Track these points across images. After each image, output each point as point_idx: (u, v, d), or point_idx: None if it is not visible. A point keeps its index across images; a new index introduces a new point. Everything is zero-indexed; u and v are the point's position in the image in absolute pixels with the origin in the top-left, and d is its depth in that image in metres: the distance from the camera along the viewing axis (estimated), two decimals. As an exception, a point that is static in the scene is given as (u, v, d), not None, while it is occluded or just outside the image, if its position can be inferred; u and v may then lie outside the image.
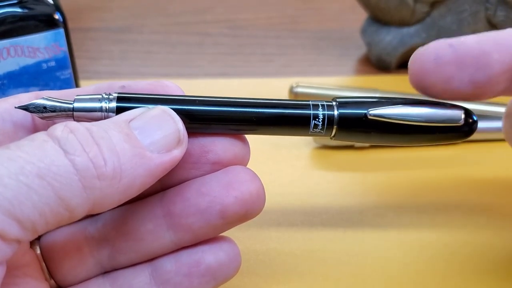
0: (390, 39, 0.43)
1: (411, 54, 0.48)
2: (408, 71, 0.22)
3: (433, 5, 0.41)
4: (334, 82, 0.42)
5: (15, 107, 0.20)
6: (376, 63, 0.44)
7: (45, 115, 0.20)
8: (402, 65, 0.44)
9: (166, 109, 0.20)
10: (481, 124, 0.23)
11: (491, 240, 0.28)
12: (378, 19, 0.43)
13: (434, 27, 0.41)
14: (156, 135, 0.19)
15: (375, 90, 0.37)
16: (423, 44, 0.43)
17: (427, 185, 0.31)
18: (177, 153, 0.19)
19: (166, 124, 0.19)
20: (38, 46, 0.31)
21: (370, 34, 0.44)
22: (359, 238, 0.28)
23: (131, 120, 0.19)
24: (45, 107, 0.20)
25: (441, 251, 0.27)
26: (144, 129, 0.19)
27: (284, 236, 0.28)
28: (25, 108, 0.20)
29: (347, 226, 0.29)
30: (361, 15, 0.46)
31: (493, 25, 0.40)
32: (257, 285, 0.25)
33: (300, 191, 0.31)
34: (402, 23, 0.42)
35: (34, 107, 0.20)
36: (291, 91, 0.37)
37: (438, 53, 0.21)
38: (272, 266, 0.26)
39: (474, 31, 0.40)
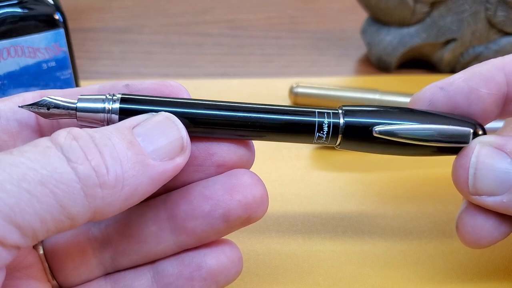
0: (390, 39, 0.43)
1: (411, 54, 0.48)
2: None
3: (433, 5, 0.41)
4: (334, 83, 0.42)
5: (18, 107, 0.20)
6: (376, 63, 0.44)
7: (48, 114, 0.20)
8: (402, 65, 0.44)
9: (170, 115, 0.20)
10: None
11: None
12: (378, 19, 0.43)
13: (434, 27, 0.41)
14: (159, 142, 0.19)
15: (375, 90, 0.37)
16: (423, 44, 0.43)
17: (427, 185, 0.31)
18: (180, 161, 0.19)
19: (170, 131, 0.19)
20: (38, 46, 0.31)
21: (370, 34, 0.44)
22: (359, 238, 0.28)
23: (134, 127, 0.19)
24: (48, 107, 0.20)
25: (441, 251, 0.27)
26: (147, 136, 0.19)
27: (284, 236, 0.28)
28: (28, 107, 0.20)
29: (347, 226, 0.29)
30: (361, 15, 0.46)
31: (493, 25, 0.40)
32: (257, 285, 0.25)
33: (300, 191, 0.31)
34: (402, 23, 0.42)
35: (37, 107, 0.20)
36: (291, 91, 0.37)
37: (432, 98, 0.23)
38: (272, 266, 0.26)
39: (474, 31, 0.41)
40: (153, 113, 0.20)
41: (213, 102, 0.21)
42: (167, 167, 0.19)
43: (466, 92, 0.23)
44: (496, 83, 0.23)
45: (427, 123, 0.22)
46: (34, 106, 0.20)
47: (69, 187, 0.17)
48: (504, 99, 0.23)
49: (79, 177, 0.17)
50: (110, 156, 0.17)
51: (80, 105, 0.20)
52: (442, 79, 0.24)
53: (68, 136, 0.18)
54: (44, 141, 0.17)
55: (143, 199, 0.19)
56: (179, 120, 0.20)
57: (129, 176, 0.18)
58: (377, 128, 0.22)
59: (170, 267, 0.21)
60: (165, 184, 0.21)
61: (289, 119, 0.21)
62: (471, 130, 0.22)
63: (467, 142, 0.22)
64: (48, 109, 0.20)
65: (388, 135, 0.22)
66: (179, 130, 0.19)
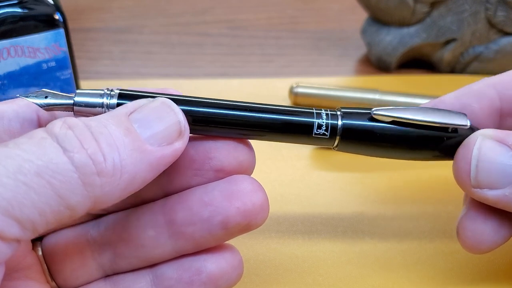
0: (390, 39, 0.43)
1: (411, 54, 0.48)
2: None
3: (433, 5, 0.41)
4: (334, 83, 0.42)
5: (17, 96, 0.20)
6: (376, 63, 0.44)
7: (46, 107, 0.20)
8: (402, 65, 0.44)
9: (166, 100, 0.19)
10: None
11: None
12: (378, 19, 0.43)
13: (434, 27, 0.41)
14: (156, 127, 0.19)
15: (375, 90, 0.37)
16: (423, 44, 0.44)
17: (427, 185, 0.31)
18: (178, 145, 0.19)
19: (166, 115, 0.19)
20: (38, 46, 0.31)
21: (370, 34, 0.44)
22: (359, 238, 0.28)
23: (131, 113, 0.19)
24: (46, 98, 0.19)
25: (441, 251, 0.27)
26: (144, 122, 0.19)
27: (284, 236, 0.28)
28: (26, 97, 0.20)
29: (347, 226, 0.29)
30: (361, 15, 0.46)
31: (493, 25, 0.40)
32: (257, 285, 0.25)
33: (300, 191, 0.31)
34: (402, 23, 0.42)
35: (35, 97, 0.19)
36: (291, 91, 0.37)
37: None
38: (272, 266, 0.26)
39: (474, 31, 0.41)
40: (150, 98, 0.20)
41: (211, 100, 0.21)
42: (165, 152, 0.19)
43: (458, 108, 0.23)
44: (488, 99, 0.23)
45: (424, 108, 0.22)
46: (33, 97, 0.19)
47: (66, 177, 0.16)
48: (499, 114, 0.23)
49: (76, 166, 0.17)
50: (106, 144, 0.17)
51: (77, 99, 0.20)
52: (434, 99, 0.24)
53: (63, 125, 0.17)
54: (39, 132, 0.17)
55: (143, 186, 0.19)
56: (176, 105, 0.19)
57: (127, 163, 0.17)
58: (376, 112, 0.22)
59: (169, 271, 0.21)
60: (163, 188, 0.21)
61: (286, 118, 0.21)
62: (467, 116, 0.22)
63: (466, 125, 0.22)
64: (46, 98, 0.19)
65: (387, 117, 0.22)
66: (176, 114, 0.19)
